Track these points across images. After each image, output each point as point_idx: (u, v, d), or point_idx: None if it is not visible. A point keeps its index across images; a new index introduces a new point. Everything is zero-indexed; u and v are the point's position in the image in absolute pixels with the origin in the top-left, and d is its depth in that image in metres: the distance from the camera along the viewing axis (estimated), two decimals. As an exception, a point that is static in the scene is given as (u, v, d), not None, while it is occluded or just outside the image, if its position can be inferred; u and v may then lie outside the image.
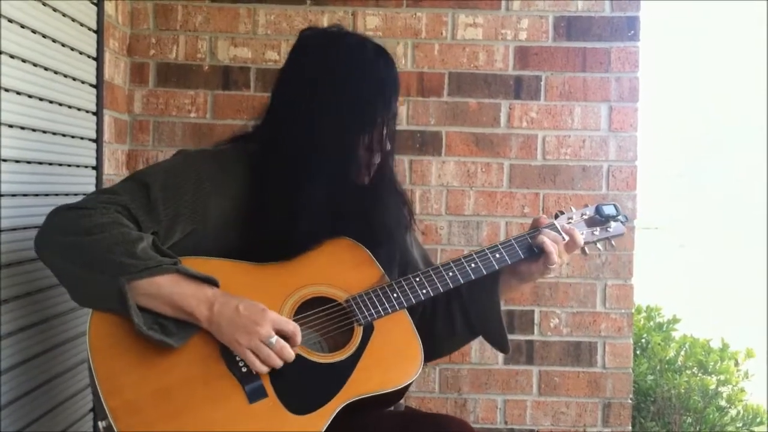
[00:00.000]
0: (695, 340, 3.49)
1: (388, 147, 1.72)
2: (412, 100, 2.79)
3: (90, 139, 2.35)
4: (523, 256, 1.77)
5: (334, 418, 1.55)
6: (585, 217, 1.85)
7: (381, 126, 1.69)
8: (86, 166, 2.32)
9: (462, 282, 1.74)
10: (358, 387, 1.59)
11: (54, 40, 2.08)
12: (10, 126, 1.86)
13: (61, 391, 2.13)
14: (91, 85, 2.35)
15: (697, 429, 3.23)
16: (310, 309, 1.65)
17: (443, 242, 2.79)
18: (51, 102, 2.07)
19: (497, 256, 1.75)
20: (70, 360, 2.18)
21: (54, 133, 2.10)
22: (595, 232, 1.84)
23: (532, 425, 2.82)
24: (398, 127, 2.07)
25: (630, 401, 2.84)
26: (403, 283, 1.71)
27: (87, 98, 2.33)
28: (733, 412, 3.32)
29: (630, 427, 2.83)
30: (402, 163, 2.76)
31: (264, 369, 1.53)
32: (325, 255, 1.70)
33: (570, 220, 1.83)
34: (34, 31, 1.97)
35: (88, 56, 2.33)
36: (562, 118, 2.81)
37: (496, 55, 2.80)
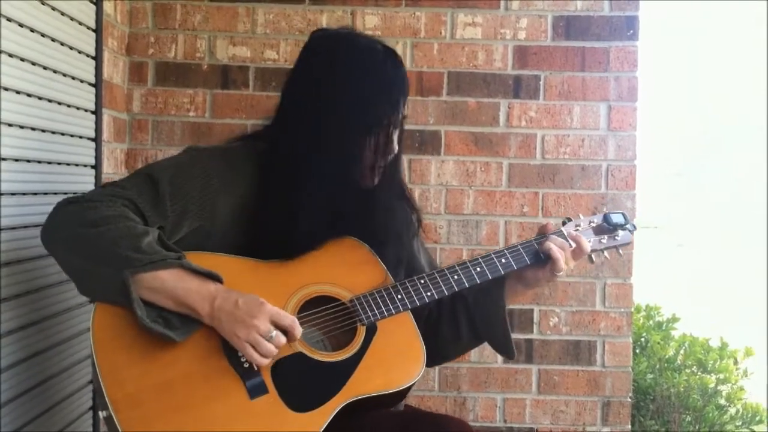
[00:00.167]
0: (694, 338, 3.50)
1: (396, 149, 1.73)
2: (411, 99, 2.78)
3: (89, 138, 2.35)
4: (529, 262, 1.77)
5: (333, 417, 1.55)
6: (593, 224, 1.84)
7: (387, 127, 1.69)
8: (85, 165, 2.32)
9: (467, 286, 1.74)
10: (359, 387, 1.59)
11: (53, 39, 2.08)
12: (9, 125, 1.85)
13: (60, 389, 2.13)
14: (90, 84, 2.35)
15: (697, 427, 3.23)
16: (314, 307, 1.65)
17: (442, 241, 2.80)
18: (50, 101, 2.07)
19: (503, 261, 1.76)
20: (70, 358, 2.18)
21: (53, 132, 2.10)
22: (602, 240, 1.83)
23: (532, 424, 2.82)
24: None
25: (629, 400, 2.84)
26: (408, 284, 1.71)
27: (86, 97, 2.33)
28: (732, 410, 3.32)
29: (629, 426, 2.83)
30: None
31: (263, 361, 1.52)
32: (331, 254, 1.71)
33: (578, 227, 1.82)
34: (33, 30, 1.97)
35: (87, 55, 2.33)
36: (561, 118, 2.81)
37: (495, 55, 2.80)
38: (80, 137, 2.29)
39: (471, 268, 1.74)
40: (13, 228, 1.89)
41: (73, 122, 2.24)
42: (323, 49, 1.72)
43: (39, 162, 2.03)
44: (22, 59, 1.91)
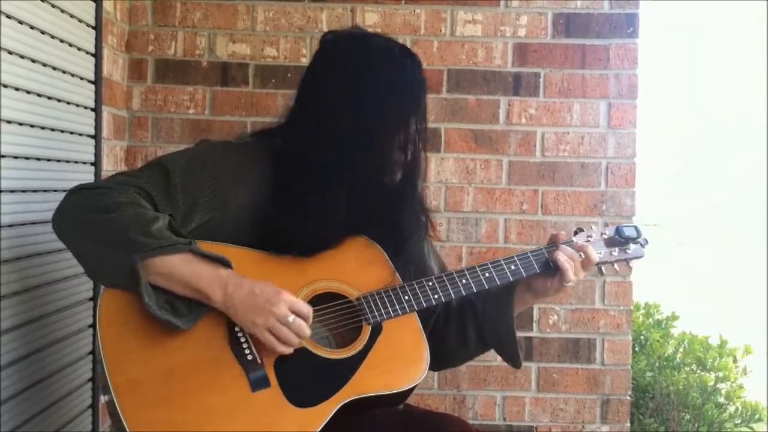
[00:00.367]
0: (694, 336, 3.50)
1: (419, 147, 1.72)
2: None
3: (88, 136, 2.35)
4: (538, 270, 1.76)
5: (333, 414, 1.55)
6: (605, 236, 1.83)
7: (409, 126, 1.69)
8: (85, 162, 2.32)
9: (475, 291, 1.74)
10: (361, 386, 1.60)
11: (52, 37, 2.08)
12: (9, 122, 1.86)
13: (60, 387, 2.13)
14: (89, 81, 2.35)
15: (696, 425, 3.23)
16: (320, 303, 1.65)
17: (442, 239, 2.79)
18: (50, 98, 2.07)
19: (512, 267, 1.75)
20: (69, 356, 2.18)
21: (52, 130, 2.10)
22: (613, 253, 1.82)
23: (531, 422, 2.82)
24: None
25: (628, 398, 2.84)
26: (416, 286, 1.71)
27: (85, 94, 2.33)
28: (731, 408, 3.32)
29: (628, 424, 2.83)
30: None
31: (285, 350, 1.53)
32: (341, 252, 1.71)
33: (589, 238, 1.82)
34: (32, 27, 1.97)
35: (87, 52, 2.33)
36: (561, 115, 2.81)
37: (495, 52, 2.80)
38: (80, 134, 2.29)
39: (480, 274, 1.74)
40: (13, 225, 1.88)
41: (73, 119, 2.23)
42: (343, 51, 1.72)
43: (38, 159, 2.03)
44: (22, 56, 1.92)
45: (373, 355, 1.64)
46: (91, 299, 2.32)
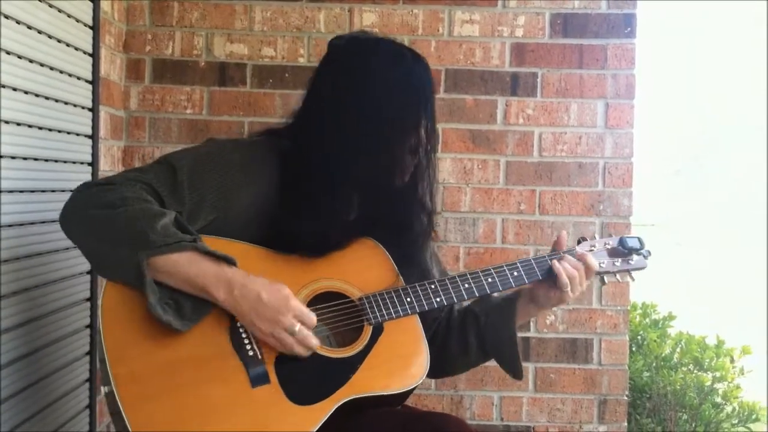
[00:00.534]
0: (691, 336, 3.50)
1: (428, 150, 1.73)
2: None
3: (86, 135, 2.35)
4: (540, 277, 1.76)
5: (332, 414, 1.55)
6: (608, 246, 1.84)
7: (419, 129, 1.70)
8: (82, 162, 2.32)
9: (477, 296, 1.75)
10: (361, 386, 1.60)
11: (50, 37, 2.08)
12: (6, 122, 1.85)
13: (57, 387, 2.13)
14: (86, 81, 2.35)
15: (693, 426, 3.23)
16: (322, 302, 1.65)
17: (440, 239, 2.79)
18: (47, 98, 2.07)
19: (515, 273, 1.76)
20: (67, 356, 2.19)
21: (50, 129, 2.10)
22: (616, 263, 1.83)
23: (528, 422, 2.82)
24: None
25: (626, 398, 2.84)
26: (418, 288, 1.72)
27: (83, 94, 2.32)
28: (728, 408, 3.32)
29: (626, 424, 2.83)
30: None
31: (283, 350, 1.55)
32: (347, 252, 1.72)
33: (592, 248, 1.82)
34: (30, 28, 1.97)
35: (84, 52, 2.33)
36: (559, 115, 2.81)
37: (493, 52, 2.80)
38: (77, 134, 2.29)
39: (482, 278, 1.74)
40: (10, 225, 1.88)
41: (70, 119, 2.23)
42: (350, 53, 1.73)
43: (36, 159, 2.03)
44: (20, 56, 1.91)
45: (374, 356, 1.64)
46: (88, 299, 2.32)
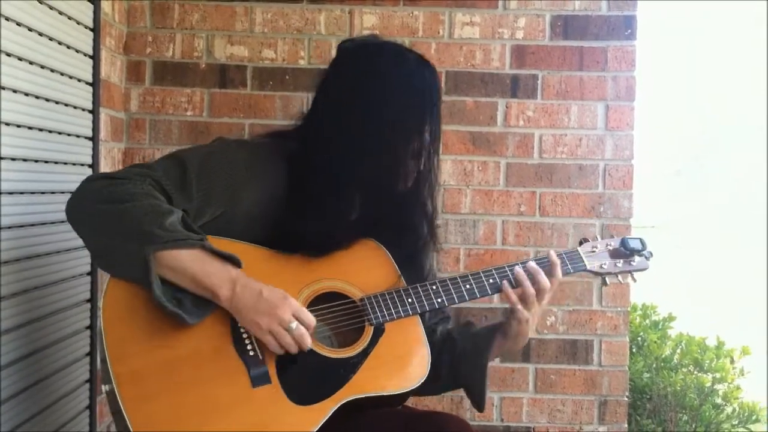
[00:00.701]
0: (691, 338, 3.50)
1: (432, 155, 1.73)
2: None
3: (86, 137, 2.35)
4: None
5: (333, 414, 1.55)
6: (609, 247, 1.84)
7: (423, 134, 1.71)
8: (82, 164, 2.32)
9: (478, 296, 1.75)
10: (361, 386, 1.60)
11: (51, 39, 2.08)
12: (7, 124, 1.86)
13: (57, 388, 2.13)
14: (87, 83, 2.35)
15: (693, 427, 3.23)
16: (324, 303, 1.66)
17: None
18: (47, 100, 2.07)
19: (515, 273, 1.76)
20: (68, 356, 2.19)
21: (50, 131, 2.10)
22: (617, 264, 1.83)
23: (529, 423, 2.82)
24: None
25: (626, 399, 2.84)
26: (420, 289, 1.72)
27: (83, 96, 2.33)
28: (728, 409, 3.32)
29: (626, 425, 2.83)
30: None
31: (280, 351, 1.55)
32: (349, 253, 1.73)
33: (594, 249, 1.83)
34: (30, 29, 1.97)
35: (85, 54, 2.33)
36: (559, 117, 2.81)
37: (493, 54, 2.81)
38: (77, 136, 2.29)
39: (484, 279, 1.75)
40: (10, 227, 1.89)
41: (71, 121, 2.24)
42: (359, 59, 1.74)
43: (36, 161, 2.03)
44: (20, 58, 1.92)
45: (375, 356, 1.64)
46: (88, 300, 2.32)
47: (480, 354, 1.80)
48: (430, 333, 1.80)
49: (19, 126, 1.92)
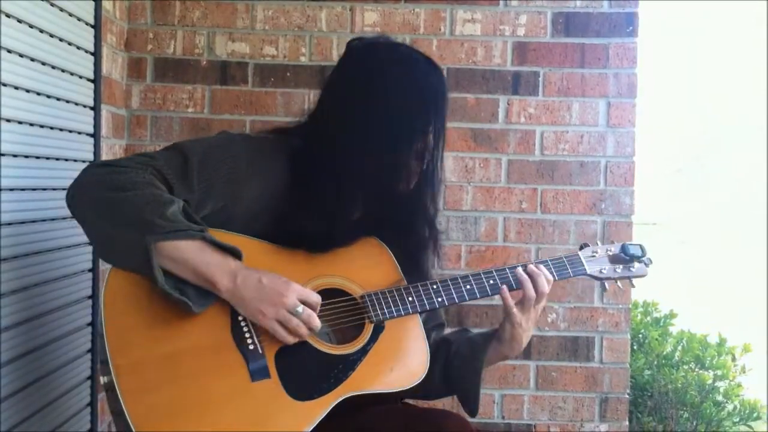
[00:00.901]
0: (692, 335, 3.50)
1: (436, 157, 1.73)
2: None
3: (87, 134, 2.35)
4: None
5: (331, 410, 1.55)
6: (610, 253, 1.85)
7: (428, 135, 1.70)
8: (83, 161, 2.32)
9: (479, 297, 1.75)
10: (361, 383, 1.60)
11: (52, 35, 2.09)
12: (8, 120, 1.86)
13: (58, 385, 2.13)
14: (88, 79, 2.35)
15: (694, 424, 3.24)
16: (324, 299, 1.65)
17: (442, 238, 2.79)
18: (48, 97, 2.07)
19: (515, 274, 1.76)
20: (70, 353, 2.19)
21: (51, 128, 2.10)
22: (617, 269, 1.84)
23: (530, 420, 2.82)
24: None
25: (627, 396, 2.84)
26: (420, 288, 1.72)
27: (85, 93, 2.33)
28: (729, 406, 3.32)
29: (627, 422, 2.83)
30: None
31: (292, 340, 1.54)
32: (351, 250, 1.73)
33: (594, 254, 1.84)
34: (32, 26, 1.97)
35: (86, 51, 2.33)
36: (560, 114, 2.81)
37: (495, 51, 2.80)
38: (79, 133, 2.29)
39: (484, 280, 1.75)
40: (12, 223, 1.89)
41: (72, 118, 2.24)
42: (369, 57, 1.73)
43: (38, 158, 2.03)
44: (21, 55, 1.92)
45: (374, 353, 1.64)
46: (89, 297, 2.32)
47: (475, 357, 1.80)
48: (425, 336, 1.80)
49: (20, 123, 1.92)
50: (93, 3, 2.37)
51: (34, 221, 1.99)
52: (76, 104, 2.26)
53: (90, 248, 2.28)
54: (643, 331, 3.53)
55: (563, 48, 2.81)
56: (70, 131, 2.22)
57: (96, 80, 2.39)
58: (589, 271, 1.83)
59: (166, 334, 1.52)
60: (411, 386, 1.65)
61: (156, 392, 1.48)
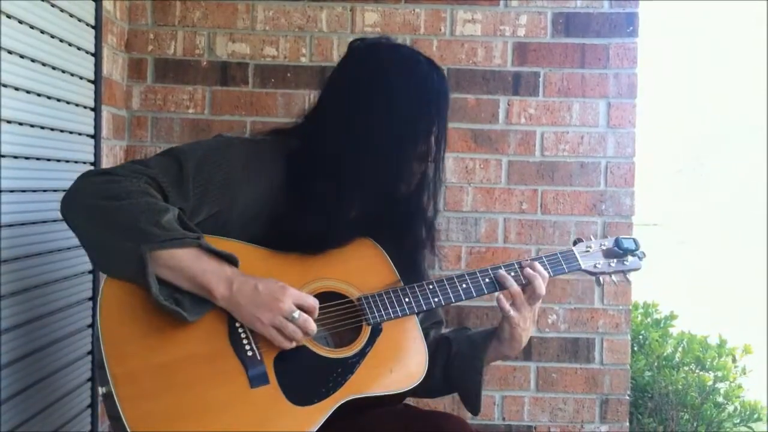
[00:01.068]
0: (693, 336, 3.49)
1: (437, 160, 1.73)
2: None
3: (88, 135, 2.35)
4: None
5: (331, 414, 1.55)
6: (603, 247, 1.85)
7: (430, 136, 1.70)
8: (84, 162, 2.32)
9: (475, 296, 1.75)
10: (360, 386, 1.60)
11: (52, 36, 2.08)
12: (9, 122, 1.86)
13: (59, 387, 2.13)
14: (89, 80, 2.35)
15: (695, 425, 3.23)
16: (321, 302, 1.64)
17: (441, 239, 2.79)
18: (49, 98, 2.07)
19: (512, 274, 1.76)
20: (70, 355, 2.19)
21: (52, 129, 2.10)
22: (611, 264, 1.84)
23: (530, 421, 2.82)
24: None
25: (627, 397, 2.84)
26: (417, 289, 1.72)
27: (85, 94, 2.33)
28: (730, 408, 3.32)
29: (627, 423, 2.83)
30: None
31: (289, 345, 1.54)
32: (346, 252, 1.72)
33: (588, 249, 1.83)
34: (32, 27, 1.97)
35: (87, 52, 2.33)
36: (561, 114, 2.81)
37: (495, 51, 2.80)
38: (79, 134, 2.29)
39: (480, 279, 1.75)
40: (12, 225, 1.88)
41: (73, 119, 2.24)
42: (371, 58, 1.73)
43: (38, 159, 2.03)
44: (22, 56, 1.92)
45: (373, 356, 1.64)
46: (90, 299, 2.32)
47: (476, 355, 1.80)
48: (423, 336, 1.80)
49: (20, 124, 1.92)
50: (93, 4, 2.37)
51: (34, 223, 1.99)
52: (77, 105, 2.26)
53: (90, 249, 2.27)
54: (643, 332, 3.53)
55: (563, 48, 2.81)
56: (71, 132, 2.22)
57: (96, 81, 2.39)
58: (583, 266, 1.82)
59: (162, 343, 1.51)
60: (410, 388, 1.65)
61: (154, 400, 1.47)
